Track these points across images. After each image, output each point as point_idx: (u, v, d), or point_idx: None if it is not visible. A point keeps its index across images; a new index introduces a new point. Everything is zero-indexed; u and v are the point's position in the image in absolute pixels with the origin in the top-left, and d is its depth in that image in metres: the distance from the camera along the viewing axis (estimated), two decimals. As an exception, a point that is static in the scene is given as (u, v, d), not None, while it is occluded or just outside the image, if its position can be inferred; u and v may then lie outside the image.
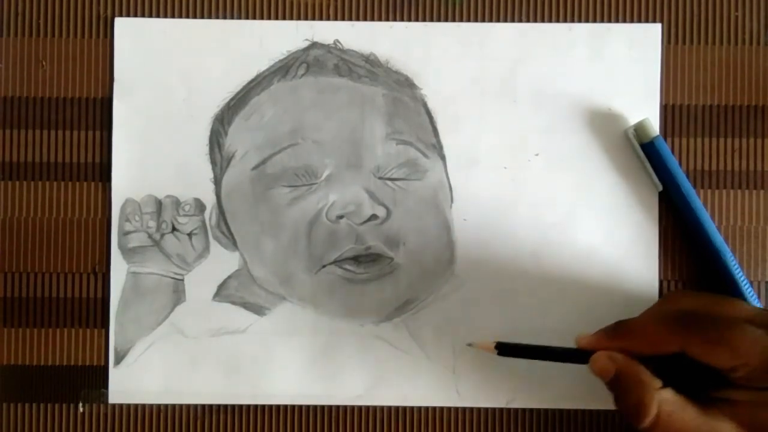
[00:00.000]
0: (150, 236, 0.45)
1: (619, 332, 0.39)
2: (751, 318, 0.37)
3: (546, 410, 0.45)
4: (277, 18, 0.46)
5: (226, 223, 0.46)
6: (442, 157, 0.45)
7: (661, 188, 0.45)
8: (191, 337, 0.45)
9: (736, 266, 0.44)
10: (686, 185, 0.44)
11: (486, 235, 0.45)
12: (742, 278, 0.44)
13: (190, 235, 0.46)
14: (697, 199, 0.44)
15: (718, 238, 0.44)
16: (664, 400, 0.37)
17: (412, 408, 0.45)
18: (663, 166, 0.44)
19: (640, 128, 0.44)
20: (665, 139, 0.45)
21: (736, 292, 0.44)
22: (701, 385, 0.38)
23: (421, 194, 0.45)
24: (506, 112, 0.46)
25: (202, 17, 0.46)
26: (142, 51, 0.46)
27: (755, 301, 0.44)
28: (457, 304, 0.45)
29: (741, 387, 0.37)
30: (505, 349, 0.42)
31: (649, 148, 0.44)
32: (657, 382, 0.38)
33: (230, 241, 0.46)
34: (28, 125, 0.46)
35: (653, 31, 0.46)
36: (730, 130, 0.46)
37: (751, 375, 0.36)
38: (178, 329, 0.45)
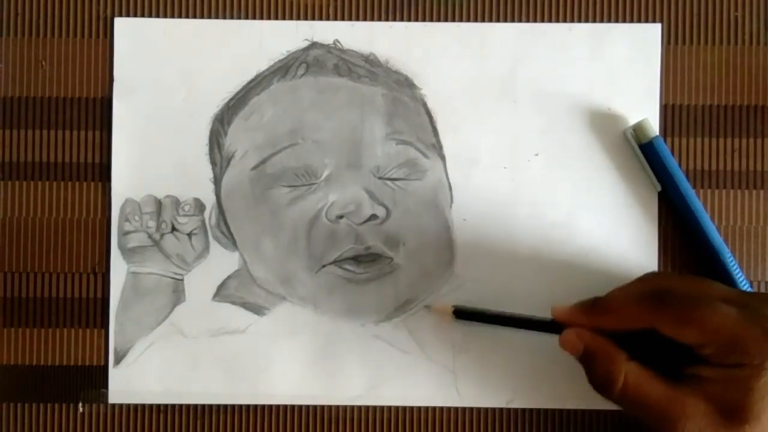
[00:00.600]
0: (150, 236, 0.45)
1: (595, 309, 0.40)
2: (723, 297, 0.38)
3: (546, 410, 0.45)
4: (277, 18, 0.46)
5: (226, 223, 0.46)
6: (442, 157, 0.45)
7: (659, 188, 0.45)
8: (191, 337, 0.45)
9: (735, 266, 0.44)
10: (685, 185, 0.44)
11: (486, 235, 0.45)
12: (741, 278, 0.44)
13: (189, 235, 0.46)
14: (696, 200, 0.44)
15: (717, 238, 0.44)
16: (630, 370, 0.38)
17: (412, 408, 0.45)
18: (662, 167, 0.44)
19: (638, 128, 0.44)
20: (665, 139, 0.45)
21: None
22: (672, 362, 0.38)
23: (420, 194, 0.45)
24: (506, 112, 0.46)
25: (202, 17, 0.46)
26: (142, 51, 0.46)
27: None
28: (457, 304, 0.45)
29: (710, 364, 0.37)
30: (463, 314, 0.44)
31: (648, 149, 0.44)
32: (623, 354, 0.38)
33: (230, 241, 0.46)
34: (28, 125, 0.46)
35: (653, 31, 0.46)
36: (730, 130, 0.46)
37: (719, 351, 0.36)
38: (177, 329, 0.45)
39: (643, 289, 0.39)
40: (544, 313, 0.44)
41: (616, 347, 0.39)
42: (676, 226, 0.45)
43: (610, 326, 0.39)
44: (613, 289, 0.41)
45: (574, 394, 0.45)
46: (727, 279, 0.44)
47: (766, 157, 0.45)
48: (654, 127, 0.45)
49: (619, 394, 0.38)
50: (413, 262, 0.45)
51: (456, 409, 0.45)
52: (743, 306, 0.37)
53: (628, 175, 0.45)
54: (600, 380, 0.39)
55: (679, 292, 0.38)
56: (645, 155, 0.45)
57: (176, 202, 0.46)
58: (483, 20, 0.46)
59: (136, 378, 0.45)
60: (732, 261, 0.44)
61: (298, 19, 0.46)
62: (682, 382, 0.37)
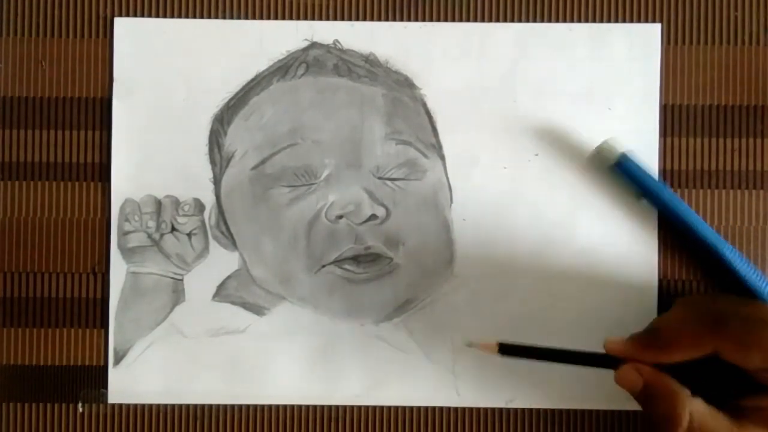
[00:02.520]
0: (149, 236, 0.46)
1: (652, 341, 0.38)
2: None
3: (546, 410, 0.45)
4: (276, 18, 0.46)
5: (226, 223, 0.46)
6: (442, 157, 0.45)
7: (643, 200, 0.44)
8: (191, 337, 0.45)
9: (736, 256, 0.43)
10: (666, 193, 0.43)
11: (486, 235, 0.45)
12: (746, 267, 0.43)
13: (189, 235, 0.46)
14: (681, 203, 0.44)
15: (712, 234, 0.43)
16: (695, 410, 0.37)
17: (411, 408, 0.45)
18: (637, 181, 0.44)
19: (600, 152, 0.44)
20: (665, 139, 0.45)
21: (744, 283, 0.43)
22: (729, 395, 0.37)
23: (420, 194, 0.45)
24: (506, 112, 0.46)
25: (202, 17, 0.46)
26: (142, 51, 0.46)
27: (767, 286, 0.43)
28: (457, 304, 0.45)
29: None
30: (507, 350, 0.41)
31: (618, 168, 0.44)
32: (687, 392, 0.37)
33: (230, 241, 0.46)
34: (28, 125, 0.46)
35: (653, 31, 0.46)
36: (730, 130, 0.46)
37: None
38: (177, 329, 0.45)
39: (699, 313, 0.38)
40: (543, 314, 0.44)
41: (679, 384, 0.37)
42: (676, 225, 0.45)
43: (672, 359, 0.38)
44: (659, 318, 0.40)
45: (574, 394, 0.45)
46: (732, 271, 0.43)
47: (766, 157, 0.45)
48: (615, 145, 0.44)
49: None
50: (413, 262, 0.45)
51: (456, 409, 0.45)
52: None
53: (628, 175, 0.45)
54: (662, 420, 0.37)
55: (740, 314, 0.37)
56: (617, 174, 0.44)
57: (176, 202, 0.46)
58: (483, 20, 0.46)
59: (136, 378, 0.45)
60: (733, 252, 0.43)
61: (298, 19, 0.46)
62: (743, 415, 0.37)
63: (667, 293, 0.45)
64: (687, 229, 0.44)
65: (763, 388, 0.36)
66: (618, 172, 0.44)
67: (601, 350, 0.40)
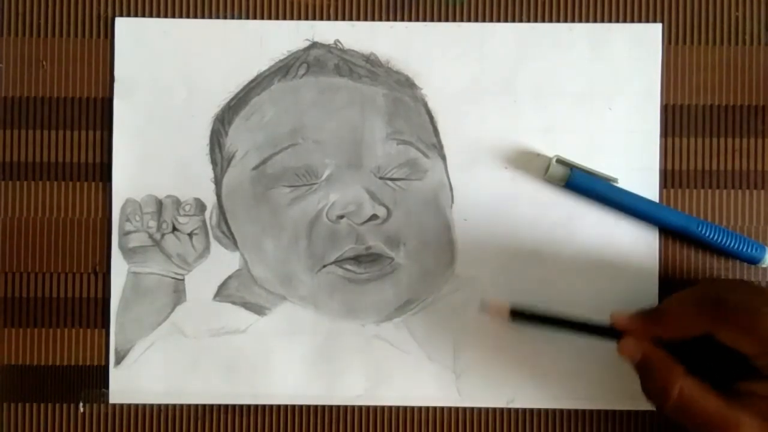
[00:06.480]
0: (150, 236, 0.45)
1: (654, 316, 0.40)
2: None
3: (546, 410, 0.45)
4: (277, 18, 0.46)
5: (227, 223, 0.46)
6: (443, 157, 0.45)
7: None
8: (191, 337, 0.45)
9: (707, 226, 0.44)
10: (626, 198, 0.44)
11: (486, 235, 0.45)
12: (724, 233, 0.44)
13: (190, 235, 0.46)
14: (639, 199, 0.44)
15: (677, 216, 0.44)
16: (686, 385, 0.38)
17: (412, 408, 0.45)
18: (592, 194, 0.44)
19: (551, 175, 0.44)
20: (665, 139, 0.45)
21: (727, 252, 0.44)
22: (726, 377, 0.38)
23: (421, 194, 0.45)
24: (506, 112, 0.46)
25: (202, 17, 0.46)
26: (142, 51, 0.46)
27: (762, 250, 0.44)
28: (458, 304, 0.45)
29: (765, 379, 0.37)
30: (519, 315, 0.42)
31: (572, 185, 0.44)
32: (681, 368, 0.38)
33: (231, 241, 0.46)
34: (28, 125, 0.46)
35: (653, 31, 0.46)
36: (730, 130, 0.46)
37: None
38: (178, 329, 0.45)
39: (703, 295, 0.39)
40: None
41: (674, 360, 0.39)
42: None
43: (669, 333, 0.39)
44: (670, 296, 0.41)
45: (575, 394, 0.45)
46: (718, 247, 0.44)
47: (766, 157, 0.46)
48: (563, 164, 0.44)
49: (673, 407, 0.38)
50: (414, 262, 0.45)
51: (456, 409, 0.45)
52: None
53: (627, 175, 0.45)
54: (654, 391, 0.39)
55: (740, 300, 0.38)
56: (574, 188, 0.45)
57: (177, 202, 0.46)
58: (483, 20, 0.46)
59: (137, 378, 0.45)
60: (703, 224, 0.44)
61: (299, 19, 0.46)
62: (737, 398, 0.37)
63: (668, 292, 0.45)
64: (654, 222, 0.44)
65: (758, 374, 0.37)
66: (573, 187, 0.44)
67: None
